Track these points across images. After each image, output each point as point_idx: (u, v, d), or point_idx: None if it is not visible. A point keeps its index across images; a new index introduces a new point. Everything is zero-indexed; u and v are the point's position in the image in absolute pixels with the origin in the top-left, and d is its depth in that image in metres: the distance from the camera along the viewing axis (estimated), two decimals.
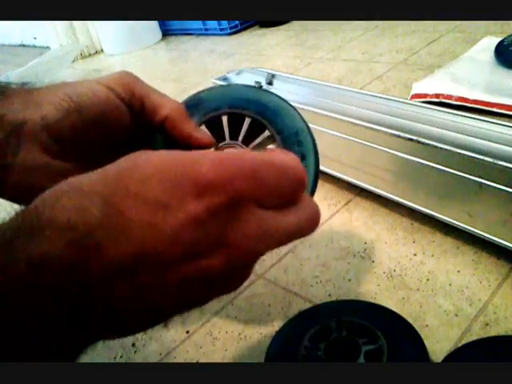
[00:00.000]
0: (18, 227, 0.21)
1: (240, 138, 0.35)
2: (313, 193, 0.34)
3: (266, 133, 0.35)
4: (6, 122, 0.30)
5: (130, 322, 0.23)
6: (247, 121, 0.35)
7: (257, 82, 0.76)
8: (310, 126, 0.35)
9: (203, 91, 0.36)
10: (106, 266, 0.20)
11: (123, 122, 0.33)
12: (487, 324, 0.44)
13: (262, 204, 0.24)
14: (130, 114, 0.33)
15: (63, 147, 0.31)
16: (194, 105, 0.36)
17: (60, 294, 0.20)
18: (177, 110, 0.33)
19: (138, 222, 0.21)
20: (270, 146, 0.35)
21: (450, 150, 0.51)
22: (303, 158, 0.34)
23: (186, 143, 0.33)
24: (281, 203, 0.24)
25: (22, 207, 0.22)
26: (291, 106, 0.36)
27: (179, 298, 0.23)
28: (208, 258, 0.22)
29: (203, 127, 0.35)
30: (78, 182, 0.22)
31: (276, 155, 0.24)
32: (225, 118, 0.36)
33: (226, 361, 0.47)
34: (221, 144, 0.35)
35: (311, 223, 0.26)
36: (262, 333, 0.49)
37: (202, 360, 0.48)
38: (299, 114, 0.35)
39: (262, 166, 0.23)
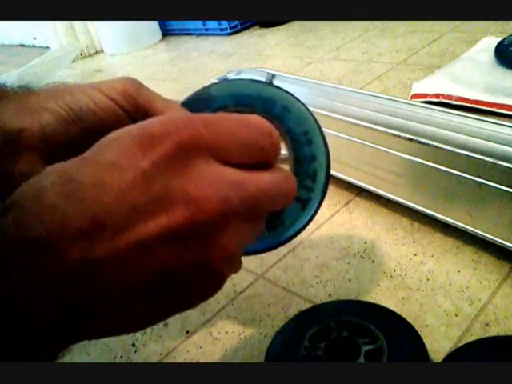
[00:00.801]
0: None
1: None
2: (324, 194, 0.33)
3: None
4: (1, 130, 0.29)
5: (97, 305, 0.21)
6: None
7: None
8: None
9: (208, 87, 0.35)
10: (56, 227, 0.20)
11: None
12: (487, 324, 0.44)
13: (225, 159, 0.22)
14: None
15: (62, 157, 0.31)
16: (198, 102, 0.35)
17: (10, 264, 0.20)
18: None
19: (86, 183, 0.20)
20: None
21: (450, 150, 0.51)
22: (313, 158, 0.33)
23: None
24: (251, 162, 0.23)
25: None
26: (302, 103, 0.35)
27: (150, 270, 0.21)
28: (166, 213, 0.21)
29: None
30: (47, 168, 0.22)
31: (242, 115, 0.24)
32: None
33: (225, 361, 0.47)
34: None
35: (286, 185, 0.25)
36: (261, 333, 0.49)
37: (202, 360, 0.48)
38: (310, 112, 0.34)
39: (217, 117, 0.23)
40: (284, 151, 0.34)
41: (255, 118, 0.24)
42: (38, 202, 0.20)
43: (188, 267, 0.22)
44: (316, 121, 0.34)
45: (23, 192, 0.21)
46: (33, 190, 0.21)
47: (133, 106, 0.31)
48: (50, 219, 0.20)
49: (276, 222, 0.33)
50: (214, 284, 0.24)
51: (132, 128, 0.22)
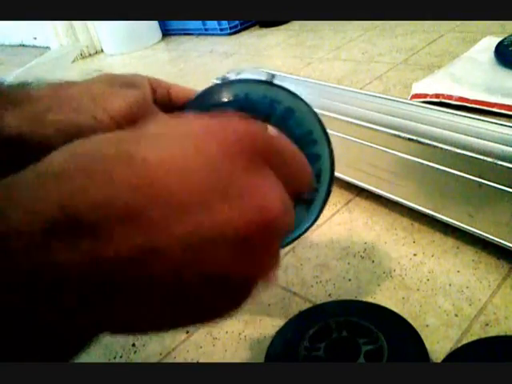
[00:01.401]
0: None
1: None
2: (328, 194, 0.33)
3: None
4: (2, 137, 0.29)
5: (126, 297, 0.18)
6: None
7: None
8: None
9: (209, 90, 0.35)
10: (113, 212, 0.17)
11: None
12: (487, 324, 0.44)
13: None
14: None
15: None
16: (204, 100, 0.35)
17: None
18: None
19: (161, 164, 0.18)
20: None
21: (450, 150, 0.51)
22: (318, 158, 0.33)
23: None
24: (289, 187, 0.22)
25: None
26: (306, 103, 0.34)
27: (202, 267, 0.18)
28: (239, 212, 0.18)
29: None
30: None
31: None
32: None
33: (226, 361, 0.47)
34: None
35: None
36: (261, 333, 0.49)
37: (202, 360, 0.48)
38: (314, 112, 0.34)
39: (287, 141, 0.23)
40: None
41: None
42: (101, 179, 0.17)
43: (239, 273, 0.19)
44: (320, 121, 0.34)
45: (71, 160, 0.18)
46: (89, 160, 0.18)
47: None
48: (120, 198, 0.17)
49: None
50: (249, 292, 0.21)
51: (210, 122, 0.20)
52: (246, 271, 0.19)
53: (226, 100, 0.34)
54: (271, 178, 0.20)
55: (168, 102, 0.35)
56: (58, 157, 0.19)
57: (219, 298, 0.20)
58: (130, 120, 0.30)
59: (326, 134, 0.34)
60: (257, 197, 0.19)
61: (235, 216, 0.18)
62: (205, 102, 0.35)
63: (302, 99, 0.34)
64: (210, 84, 0.36)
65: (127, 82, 0.33)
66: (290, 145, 0.23)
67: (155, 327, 0.20)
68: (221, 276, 0.19)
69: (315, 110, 0.35)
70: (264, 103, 0.33)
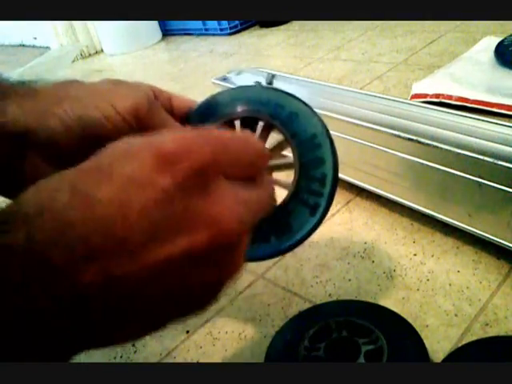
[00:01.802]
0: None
1: None
2: (332, 198, 0.34)
3: (281, 136, 0.34)
4: (7, 131, 0.29)
5: (108, 321, 0.20)
6: (260, 124, 0.34)
7: (256, 82, 0.76)
8: None
9: (217, 95, 0.35)
10: (71, 247, 0.19)
11: None
12: (487, 324, 0.44)
13: (229, 176, 0.23)
14: None
15: (66, 161, 0.31)
16: (206, 110, 0.35)
17: (22, 283, 0.19)
18: None
19: (104, 201, 0.20)
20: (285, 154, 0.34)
21: (450, 150, 0.51)
22: (322, 162, 0.33)
23: None
24: (243, 177, 0.24)
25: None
26: (310, 107, 0.34)
27: (165, 289, 0.21)
28: (188, 235, 0.20)
29: None
30: (45, 182, 0.21)
31: (236, 132, 0.25)
32: (237, 123, 0.35)
33: (226, 361, 0.47)
34: None
35: (270, 199, 0.26)
36: (262, 333, 0.49)
37: (202, 360, 0.48)
38: (318, 116, 0.34)
39: (225, 137, 0.23)
40: (286, 154, 0.34)
41: (252, 138, 0.25)
42: (53, 219, 0.19)
43: (203, 285, 0.22)
44: (324, 125, 0.34)
45: (35, 204, 0.20)
46: (47, 204, 0.20)
47: (142, 127, 0.31)
48: (65, 239, 0.19)
49: (284, 227, 0.33)
50: (216, 295, 0.24)
51: (148, 141, 0.22)
52: (211, 280, 0.22)
53: (230, 107, 0.34)
54: (222, 192, 0.22)
55: (169, 110, 0.35)
56: (31, 201, 0.20)
57: (183, 305, 0.22)
58: (137, 117, 0.30)
59: (329, 138, 0.34)
60: (208, 220, 0.21)
61: (189, 244, 0.20)
62: (210, 106, 0.35)
63: (305, 103, 0.34)
64: (210, 84, 0.36)
65: (132, 85, 0.33)
66: (232, 139, 0.24)
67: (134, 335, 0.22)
68: (189, 287, 0.21)
69: (315, 110, 0.35)
70: (268, 107, 0.33)
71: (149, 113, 0.31)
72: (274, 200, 0.26)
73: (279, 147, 0.35)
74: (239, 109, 0.34)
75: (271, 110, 0.34)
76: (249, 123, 0.35)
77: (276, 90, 0.34)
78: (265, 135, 0.35)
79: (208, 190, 0.21)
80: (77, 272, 0.19)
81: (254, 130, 0.35)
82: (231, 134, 0.24)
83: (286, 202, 0.33)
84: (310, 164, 0.33)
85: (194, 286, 0.22)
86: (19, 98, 0.30)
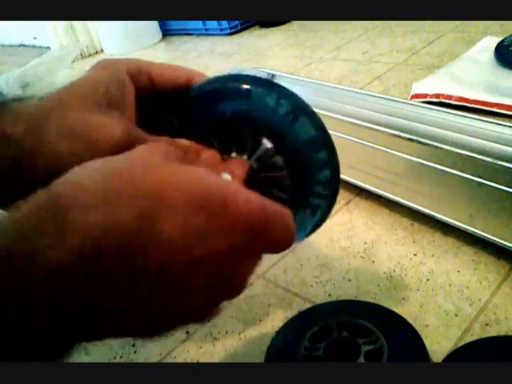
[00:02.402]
0: (38, 223, 0.20)
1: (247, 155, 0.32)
2: (334, 200, 0.33)
3: (268, 145, 0.33)
4: (18, 153, 0.29)
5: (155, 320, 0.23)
6: (249, 134, 0.32)
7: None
8: None
9: (211, 85, 0.33)
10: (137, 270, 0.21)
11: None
12: (487, 324, 0.44)
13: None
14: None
15: None
16: (201, 103, 0.33)
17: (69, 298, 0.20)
18: None
19: (170, 237, 0.21)
20: (277, 158, 0.33)
21: (450, 150, 0.51)
22: (324, 163, 0.32)
23: None
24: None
25: (36, 194, 0.21)
26: (310, 107, 0.33)
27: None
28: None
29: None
30: (101, 179, 0.22)
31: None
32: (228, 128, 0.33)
33: (226, 361, 0.47)
34: (225, 158, 0.32)
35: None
36: (261, 333, 0.49)
37: (202, 360, 0.48)
38: (318, 117, 0.33)
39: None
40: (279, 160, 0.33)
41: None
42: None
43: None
44: (325, 127, 0.33)
45: (92, 213, 0.21)
46: (108, 220, 0.21)
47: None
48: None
49: None
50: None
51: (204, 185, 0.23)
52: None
53: (230, 98, 0.32)
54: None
55: (152, 88, 0.34)
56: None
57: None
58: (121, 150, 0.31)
59: (330, 139, 0.33)
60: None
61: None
62: (209, 100, 0.33)
63: (306, 103, 0.33)
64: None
65: (107, 97, 0.32)
66: (271, 216, 0.25)
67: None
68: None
69: (315, 110, 0.34)
70: (269, 106, 0.32)
71: (130, 144, 0.30)
72: None
73: (268, 156, 0.34)
74: (232, 110, 0.32)
75: (273, 108, 0.31)
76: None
77: (278, 85, 0.33)
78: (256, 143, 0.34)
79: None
80: (135, 288, 0.21)
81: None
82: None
83: (288, 202, 0.33)
84: (313, 166, 0.33)
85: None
86: (25, 123, 0.30)
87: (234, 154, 0.33)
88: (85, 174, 0.23)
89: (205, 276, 0.23)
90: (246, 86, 0.32)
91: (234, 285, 0.25)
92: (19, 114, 0.30)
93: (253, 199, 0.24)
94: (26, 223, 0.20)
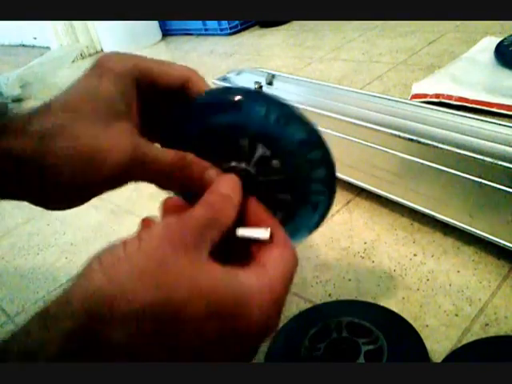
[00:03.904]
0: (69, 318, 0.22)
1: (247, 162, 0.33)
2: (332, 196, 0.34)
3: (264, 150, 0.33)
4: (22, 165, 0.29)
5: None
6: (246, 141, 0.33)
7: (256, 83, 0.76)
8: None
9: (203, 99, 0.34)
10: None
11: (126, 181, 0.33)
12: (487, 324, 0.44)
13: None
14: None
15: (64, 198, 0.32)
16: (196, 116, 0.34)
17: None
18: None
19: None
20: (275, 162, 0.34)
21: (450, 150, 0.51)
22: (319, 162, 0.33)
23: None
24: None
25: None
26: (300, 112, 0.33)
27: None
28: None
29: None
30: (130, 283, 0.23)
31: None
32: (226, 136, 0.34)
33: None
34: (228, 167, 0.33)
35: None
36: None
37: None
38: (309, 120, 0.33)
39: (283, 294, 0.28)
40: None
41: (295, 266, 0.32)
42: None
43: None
44: (316, 128, 0.34)
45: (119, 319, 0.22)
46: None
47: (133, 175, 0.31)
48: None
49: (288, 226, 0.33)
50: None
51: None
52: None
53: (221, 110, 0.33)
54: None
55: (152, 90, 0.34)
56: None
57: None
58: (124, 174, 0.31)
59: (322, 139, 0.34)
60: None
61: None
62: (201, 113, 0.34)
63: (294, 108, 0.34)
64: (210, 84, 0.35)
65: (112, 107, 0.32)
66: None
67: None
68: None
69: (315, 110, 0.35)
70: (261, 112, 0.33)
71: (134, 169, 0.31)
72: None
73: (268, 159, 0.34)
74: (233, 113, 0.33)
75: (265, 113, 0.32)
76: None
77: (266, 95, 0.34)
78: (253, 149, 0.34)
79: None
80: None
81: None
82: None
83: (290, 202, 0.34)
84: (307, 166, 0.33)
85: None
86: (27, 138, 0.29)
87: (233, 163, 0.33)
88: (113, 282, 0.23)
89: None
90: (236, 98, 0.33)
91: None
92: (25, 130, 0.30)
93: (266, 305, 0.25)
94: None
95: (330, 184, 0.34)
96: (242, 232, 0.30)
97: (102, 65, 0.33)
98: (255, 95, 0.34)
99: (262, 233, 0.29)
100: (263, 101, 0.33)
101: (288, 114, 0.33)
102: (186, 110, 0.34)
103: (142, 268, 0.23)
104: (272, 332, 0.26)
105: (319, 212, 0.35)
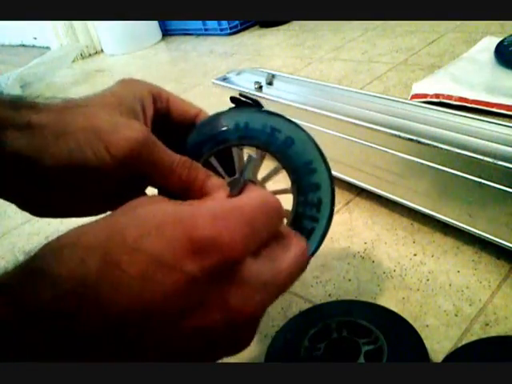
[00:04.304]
0: (25, 274, 0.22)
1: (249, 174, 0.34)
2: (329, 224, 0.34)
3: (276, 163, 0.34)
4: (4, 161, 0.30)
5: None
6: (257, 152, 0.34)
7: (256, 83, 0.76)
8: (310, 126, 0.34)
9: (216, 118, 0.35)
10: (99, 317, 0.21)
11: (123, 184, 0.33)
12: (487, 324, 0.44)
13: (253, 253, 0.24)
14: (133, 178, 0.33)
15: (59, 188, 0.32)
16: (203, 136, 0.35)
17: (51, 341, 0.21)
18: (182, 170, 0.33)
19: (135, 278, 0.21)
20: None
21: (450, 150, 0.51)
22: (318, 187, 0.33)
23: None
24: (266, 243, 0.25)
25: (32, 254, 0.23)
26: (306, 132, 0.34)
27: (181, 354, 0.23)
28: (206, 317, 0.22)
29: (213, 158, 0.35)
30: (78, 235, 0.23)
31: (258, 195, 0.26)
32: (235, 150, 0.34)
33: (226, 361, 0.47)
34: (230, 179, 0.34)
35: (301, 261, 0.27)
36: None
37: None
38: (314, 140, 0.34)
39: (254, 213, 0.24)
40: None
41: (272, 202, 0.26)
42: (83, 285, 0.21)
43: (216, 355, 0.25)
44: (320, 149, 0.34)
45: (66, 267, 0.22)
46: (76, 267, 0.21)
47: (135, 168, 0.31)
48: (93, 308, 0.21)
49: None
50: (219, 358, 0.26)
51: (180, 218, 0.23)
52: (221, 355, 0.26)
53: (226, 129, 0.34)
54: (245, 280, 0.23)
55: (166, 114, 0.36)
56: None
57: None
58: (131, 159, 0.31)
59: (326, 163, 0.34)
60: (226, 310, 0.23)
61: (202, 322, 0.23)
62: (206, 132, 0.35)
63: (301, 128, 0.34)
64: (210, 84, 0.36)
65: (130, 108, 0.33)
66: (260, 211, 0.25)
67: None
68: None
69: (315, 110, 0.35)
70: (264, 132, 0.33)
71: (143, 153, 0.31)
72: (305, 256, 0.27)
73: (274, 173, 0.35)
74: (235, 137, 0.34)
75: (268, 134, 0.34)
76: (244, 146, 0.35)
77: (273, 114, 0.34)
78: (260, 158, 0.35)
79: (232, 280, 0.23)
80: (100, 343, 0.22)
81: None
82: (257, 201, 0.25)
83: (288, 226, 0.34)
84: (307, 189, 0.33)
85: (209, 355, 0.25)
86: (16, 132, 0.30)
87: (237, 175, 0.35)
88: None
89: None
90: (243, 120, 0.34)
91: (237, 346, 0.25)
92: (45, 106, 0.31)
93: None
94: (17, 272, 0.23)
95: (327, 211, 0.33)
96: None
97: (124, 79, 0.35)
98: (263, 115, 0.35)
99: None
100: (268, 120, 0.34)
101: (296, 134, 0.34)
102: (199, 128, 0.36)
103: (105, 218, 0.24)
104: (243, 251, 0.23)
105: (313, 241, 0.34)
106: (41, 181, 0.31)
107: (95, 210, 0.34)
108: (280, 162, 0.34)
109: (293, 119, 0.35)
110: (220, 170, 0.34)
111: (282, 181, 0.35)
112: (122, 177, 0.32)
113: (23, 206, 0.34)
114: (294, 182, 0.34)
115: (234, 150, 0.35)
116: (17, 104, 0.31)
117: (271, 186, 0.36)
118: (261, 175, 0.35)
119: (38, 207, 0.34)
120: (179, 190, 0.32)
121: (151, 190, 0.34)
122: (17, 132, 0.30)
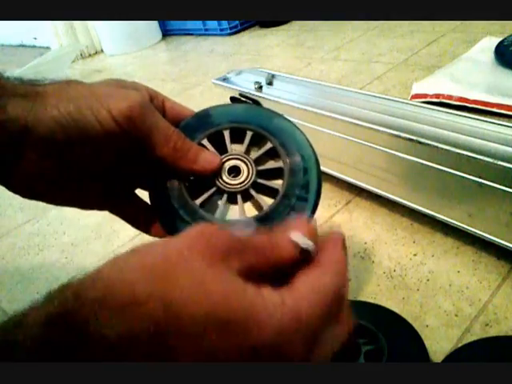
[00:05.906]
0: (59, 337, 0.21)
1: (243, 149, 0.35)
2: (316, 203, 0.34)
3: (269, 145, 0.35)
4: (7, 129, 0.30)
5: None
6: (249, 134, 0.36)
7: (256, 83, 0.76)
8: (310, 126, 0.35)
9: (207, 109, 0.37)
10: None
11: (121, 154, 0.33)
12: (487, 324, 0.44)
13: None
14: (130, 147, 0.33)
15: (62, 157, 0.32)
16: (197, 121, 0.37)
17: None
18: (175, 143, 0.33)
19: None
20: (272, 162, 0.35)
21: (449, 150, 0.51)
22: (306, 170, 0.34)
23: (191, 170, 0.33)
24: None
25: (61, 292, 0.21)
26: (292, 123, 0.36)
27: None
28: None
29: (206, 141, 0.35)
30: (129, 284, 0.21)
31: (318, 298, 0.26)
32: (226, 132, 0.36)
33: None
34: (223, 156, 0.35)
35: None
36: None
37: None
38: (300, 130, 0.36)
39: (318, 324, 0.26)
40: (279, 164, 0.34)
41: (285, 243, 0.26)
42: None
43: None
44: (306, 138, 0.35)
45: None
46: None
47: (134, 131, 0.32)
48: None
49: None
50: None
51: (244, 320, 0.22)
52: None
53: (217, 115, 0.36)
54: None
55: (162, 114, 0.36)
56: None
57: None
58: (130, 119, 0.31)
59: (312, 148, 0.35)
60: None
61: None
62: (198, 119, 0.36)
63: (288, 120, 0.36)
64: (210, 84, 0.36)
65: (128, 85, 0.34)
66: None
67: None
68: None
69: (315, 110, 0.35)
70: (254, 121, 0.36)
71: (142, 116, 0.32)
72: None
73: (267, 154, 0.36)
74: (228, 121, 0.36)
75: (258, 121, 0.36)
76: (238, 135, 0.36)
77: (261, 108, 0.36)
78: (254, 144, 0.36)
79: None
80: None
81: (242, 140, 0.36)
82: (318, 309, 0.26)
83: (276, 204, 0.34)
84: (297, 171, 0.34)
85: None
86: (19, 98, 0.31)
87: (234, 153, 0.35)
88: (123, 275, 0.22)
89: None
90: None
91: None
92: (50, 82, 0.32)
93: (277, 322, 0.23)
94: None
95: (313, 192, 0.34)
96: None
97: (120, 81, 0.36)
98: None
99: (308, 244, 0.26)
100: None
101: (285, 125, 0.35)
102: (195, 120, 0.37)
103: (148, 261, 0.22)
104: (297, 360, 0.24)
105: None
106: (36, 150, 0.31)
107: (93, 195, 0.34)
108: (272, 142, 0.35)
109: (292, 119, 0.36)
110: (213, 150, 0.35)
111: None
112: (121, 144, 0.32)
113: (14, 188, 0.33)
114: (286, 162, 0.34)
115: (226, 133, 0.36)
116: (23, 79, 0.32)
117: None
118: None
119: (31, 182, 0.32)
120: (173, 160, 0.32)
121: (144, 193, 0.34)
122: (19, 99, 0.30)
